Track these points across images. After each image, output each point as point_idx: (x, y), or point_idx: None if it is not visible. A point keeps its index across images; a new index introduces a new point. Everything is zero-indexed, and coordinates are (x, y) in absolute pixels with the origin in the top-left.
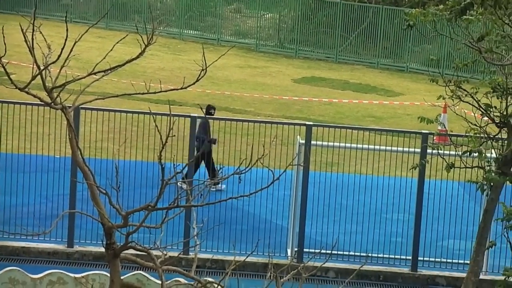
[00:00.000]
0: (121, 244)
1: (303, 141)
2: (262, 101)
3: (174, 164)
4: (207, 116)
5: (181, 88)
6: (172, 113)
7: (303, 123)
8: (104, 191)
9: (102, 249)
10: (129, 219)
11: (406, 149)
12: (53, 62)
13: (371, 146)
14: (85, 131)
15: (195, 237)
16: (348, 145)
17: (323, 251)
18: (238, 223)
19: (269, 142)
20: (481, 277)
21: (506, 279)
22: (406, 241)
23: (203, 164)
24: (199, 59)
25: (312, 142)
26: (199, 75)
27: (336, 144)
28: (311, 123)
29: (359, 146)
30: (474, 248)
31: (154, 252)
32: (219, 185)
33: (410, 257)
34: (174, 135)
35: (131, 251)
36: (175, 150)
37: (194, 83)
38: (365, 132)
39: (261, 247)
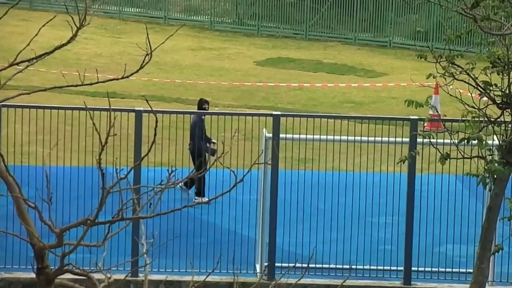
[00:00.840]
0: (56, 267)
1: (270, 135)
2: (220, 89)
3: (117, 169)
4: (200, 111)
5: (123, 78)
6: (112, 107)
7: (269, 113)
8: (33, 205)
9: (33, 275)
10: (64, 237)
11: (392, 139)
12: None
13: (351, 138)
14: (8, 133)
15: (145, 255)
16: (323, 137)
17: (298, 264)
18: (196, 236)
19: (229, 137)
20: (487, 287)
21: None
22: (396, 249)
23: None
24: (143, 41)
25: (281, 135)
26: (144, 61)
27: (310, 136)
28: (279, 112)
29: (337, 138)
30: (478, 253)
31: (96, 276)
32: (203, 197)
33: (402, 268)
34: (116, 134)
35: (68, 275)
36: (118, 152)
37: (137, 71)
38: (344, 121)
39: (225, 263)
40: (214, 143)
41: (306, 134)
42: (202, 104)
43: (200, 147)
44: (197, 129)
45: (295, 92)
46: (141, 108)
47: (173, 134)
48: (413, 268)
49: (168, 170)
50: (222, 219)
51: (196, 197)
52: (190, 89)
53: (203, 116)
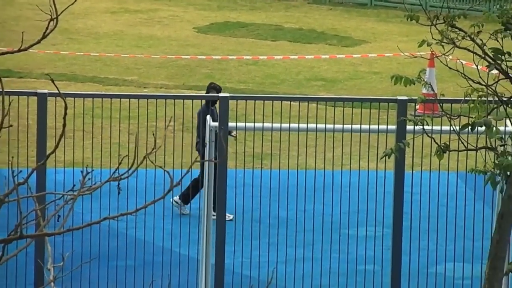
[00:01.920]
0: None
1: (216, 124)
2: (150, 65)
3: (13, 171)
4: (210, 94)
5: (20, 50)
6: (6, 90)
7: (214, 95)
8: None
9: None
10: None
11: (374, 126)
12: None
13: (321, 126)
14: None
15: (52, 284)
16: (285, 125)
17: None
18: (120, 257)
19: (163, 127)
20: None
21: None
22: (381, 270)
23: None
24: (45, 2)
25: (230, 123)
26: (47, 28)
27: (268, 125)
28: (227, 94)
29: (303, 126)
30: (486, 274)
31: None
32: (183, 206)
33: None
34: (12, 125)
35: None
36: (15, 149)
37: (40, 41)
38: (311, 104)
39: None
40: (233, 136)
41: (263, 122)
42: (212, 89)
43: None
44: (201, 121)
45: (248, 68)
46: (46, 91)
47: (88, 124)
48: None
49: (82, 171)
50: (154, 234)
51: (177, 201)
52: (110, 64)
53: (208, 107)
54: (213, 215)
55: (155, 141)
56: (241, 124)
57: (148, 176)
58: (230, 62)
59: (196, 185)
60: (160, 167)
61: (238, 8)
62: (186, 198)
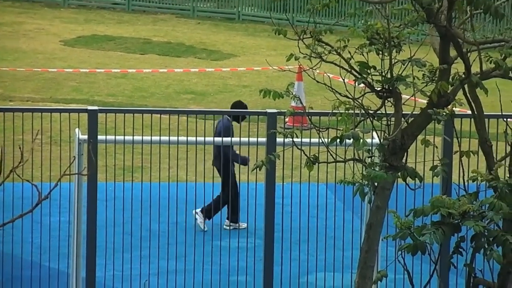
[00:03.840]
0: None
1: (85, 137)
2: (16, 78)
3: None
4: (235, 109)
5: None
6: None
7: (83, 108)
8: None
9: None
10: None
11: (245, 139)
12: None
13: (192, 139)
14: None
15: None
16: (156, 138)
17: None
18: None
19: (30, 141)
20: None
21: None
22: (253, 280)
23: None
24: None
25: (100, 137)
26: None
27: (138, 138)
28: (95, 107)
29: (173, 139)
30: (356, 283)
31: None
32: (240, 223)
33: None
34: None
35: None
36: None
37: None
38: (182, 117)
39: None
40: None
41: (133, 135)
42: (241, 107)
43: (234, 159)
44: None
45: (116, 81)
46: None
47: None
48: None
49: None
50: (22, 248)
51: (231, 224)
52: None
53: (230, 119)
54: (227, 226)
55: (22, 154)
56: (111, 137)
57: (16, 190)
58: (98, 75)
59: (219, 201)
60: (28, 180)
61: (105, 22)
62: (208, 213)
